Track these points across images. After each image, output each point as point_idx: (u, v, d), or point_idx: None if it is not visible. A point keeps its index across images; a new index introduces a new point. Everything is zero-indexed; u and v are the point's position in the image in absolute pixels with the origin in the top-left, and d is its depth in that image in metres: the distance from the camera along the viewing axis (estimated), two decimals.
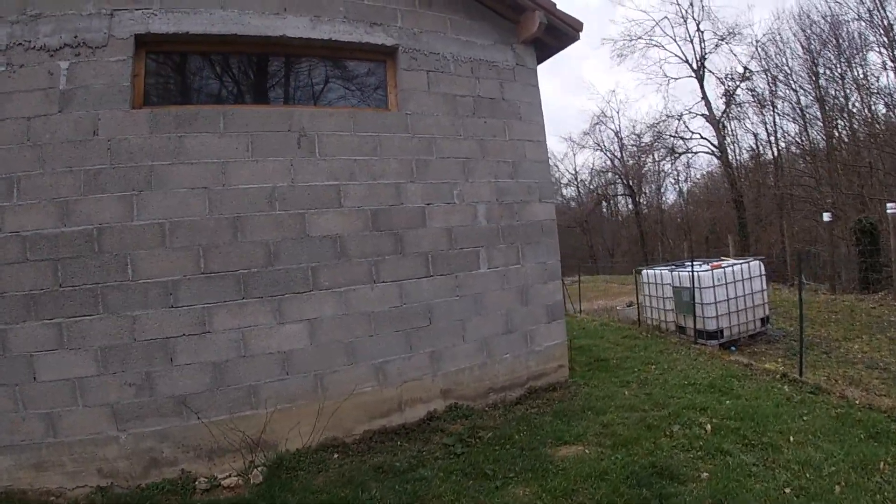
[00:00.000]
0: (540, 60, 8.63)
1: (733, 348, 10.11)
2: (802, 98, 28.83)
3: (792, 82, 29.48)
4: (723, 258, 12.09)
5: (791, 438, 5.62)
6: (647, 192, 49.33)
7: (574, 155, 67.69)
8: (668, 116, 40.57)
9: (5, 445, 5.48)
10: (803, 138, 29.64)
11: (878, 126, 22.90)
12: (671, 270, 11.28)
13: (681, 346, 10.43)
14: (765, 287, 10.93)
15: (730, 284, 10.35)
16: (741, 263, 10.79)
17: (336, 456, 6.25)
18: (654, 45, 41.15)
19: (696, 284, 10.25)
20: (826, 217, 17.32)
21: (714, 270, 10.29)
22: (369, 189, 6.98)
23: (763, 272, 11.00)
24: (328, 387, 6.62)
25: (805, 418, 6.18)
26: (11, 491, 5.41)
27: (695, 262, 11.34)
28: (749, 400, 6.96)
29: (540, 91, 8.39)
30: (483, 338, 7.58)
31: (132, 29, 6.03)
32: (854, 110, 25.00)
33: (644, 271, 12.54)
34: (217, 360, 6.06)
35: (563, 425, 6.45)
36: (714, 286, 10.20)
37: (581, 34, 8.21)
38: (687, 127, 39.23)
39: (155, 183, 6.01)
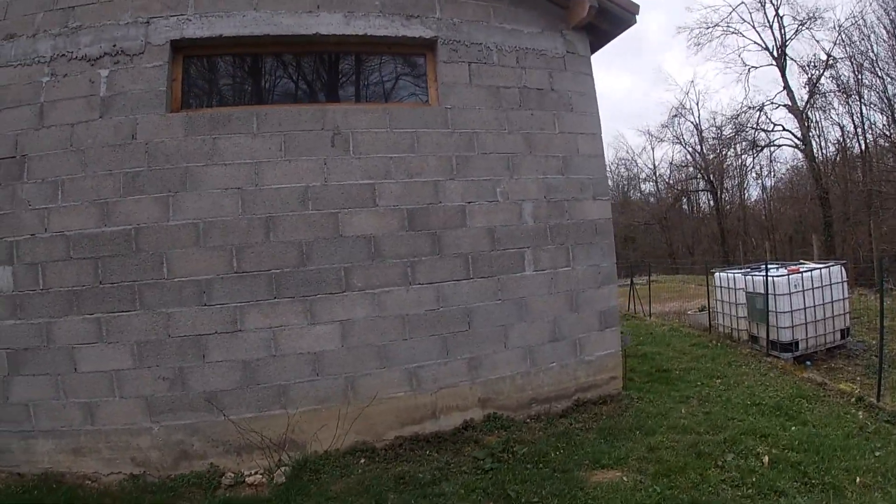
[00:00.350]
0: (594, 48, 7.90)
1: (808, 363, 8.93)
2: (890, 86, 25.90)
3: (878, 69, 26.44)
4: (802, 261, 10.71)
5: (857, 479, 4.75)
6: (729, 187, 45.42)
7: (652, 149, 62.49)
8: (748, 108, 36.34)
9: (47, 430, 5.69)
10: (892, 130, 26.59)
11: None
12: (745, 274, 10.11)
13: (751, 357, 9.42)
14: (846, 295, 9.66)
15: (807, 291, 9.15)
16: (821, 268, 9.44)
17: (363, 461, 5.93)
18: (732, 33, 36.70)
19: (771, 291, 9.13)
20: None
21: (791, 275, 9.08)
22: (405, 188, 6.54)
23: (845, 278, 9.58)
24: (359, 390, 6.29)
25: (877, 454, 5.26)
26: (51, 473, 5.60)
27: (771, 266, 10.15)
28: (817, 427, 6.05)
29: (594, 80, 7.68)
30: (527, 345, 6.96)
31: (167, 35, 6.05)
32: None
33: (716, 274, 11.40)
34: (247, 359, 5.94)
35: (605, 445, 5.82)
36: (790, 293, 9.04)
37: (637, 17, 7.44)
38: (769, 118, 35.51)
39: (190, 184, 5.99)
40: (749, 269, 10.35)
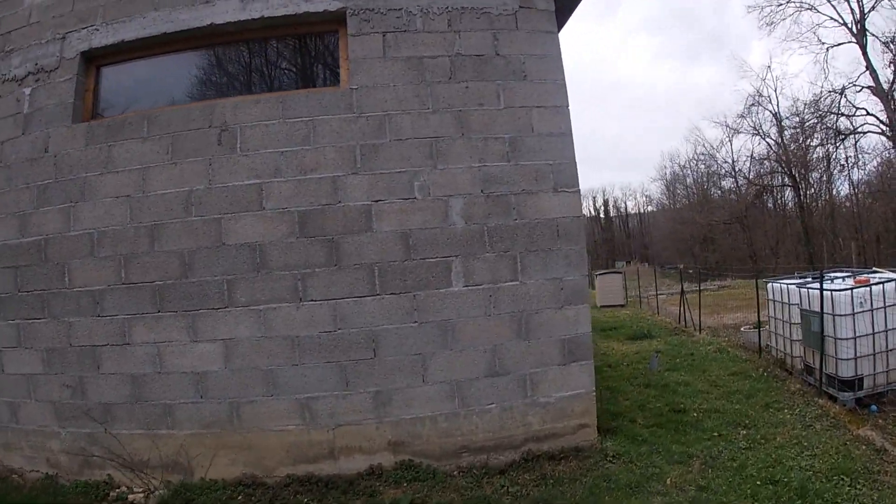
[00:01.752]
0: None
1: (874, 408, 5.51)
2: None
3: None
4: (876, 270, 6.93)
5: None
6: (814, 181, 35.39)
7: (730, 141, 48.79)
8: (829, 91, 27.62)
9: None
10: None
11: None
12: (799, 286, 6.64)
13: (800, 397, 6.02)
14: None
15: (878, 311, 5.62)
16: (884, 281, 5.82)
17: (240, 498, 4.36)
18: (806, 9, 27.96)
19: (827, 309, 5.78)
20: None
21: (855, 289, 5.64)
22: (297, 186, 4.67)
23: None
24: (244, 418, 4.61)
25: None
26: None
27: (836, 275, 6.64)
28: None
29: (559, 40, 5.13)
30: (453, 380, 4.68)
31: (78, 48, 5.08)
32: None
33: (769, 285, 7.73)
34: (136, 374, 4.71)
35: None
36: (854, 313, 5.62)
37: None
38: (851, 103, 26.93)
39: (87, 193, 4.89)
40: (808, 279, 6.83)
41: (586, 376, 4.86)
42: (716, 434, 5.11)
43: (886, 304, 5.54)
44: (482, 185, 4.75)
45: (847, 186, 33.93)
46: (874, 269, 6.87)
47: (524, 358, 4.72)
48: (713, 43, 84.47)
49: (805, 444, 4.74)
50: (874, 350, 5.49)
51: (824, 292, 5.70)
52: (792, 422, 5.24)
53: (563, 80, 4.99)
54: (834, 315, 5.60)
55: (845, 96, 26.58)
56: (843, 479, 4.08)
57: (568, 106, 4.98)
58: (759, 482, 4.13)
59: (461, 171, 4.74)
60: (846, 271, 7.05)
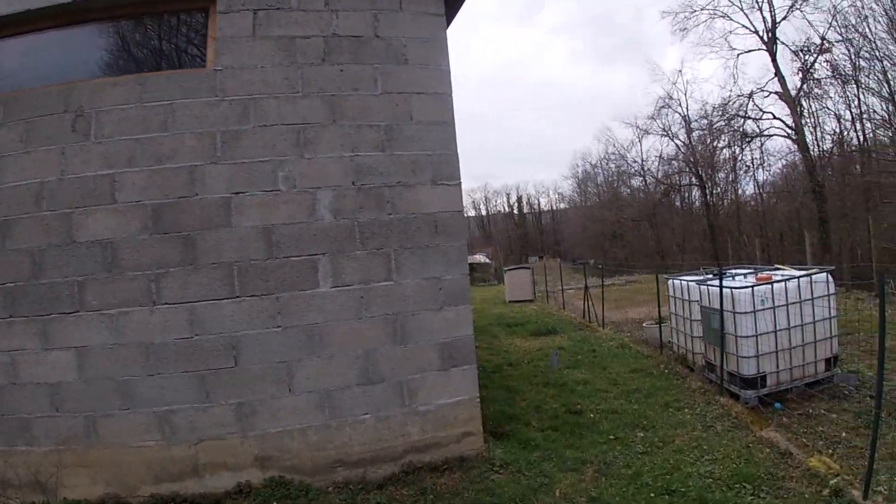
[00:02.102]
0: None
1: (778, 406, 4.42)
2: (890, 70, 16.52)
3: (877, 51, 16.83)
4: (778, 267, 5.80)
5: None
6: (721, 181, 32.70)
7: (640, 142, 46.79)
8: (738, 96, 25.07)
9: None
10: (893, 117, 17.07)
11: None
12: (699, 283, 5.49)
13: (701, 396, 5.01)
14: (834, 312, 4.81)
15: (780, 308, 4.55)
16: (800, 277, 4.77)
17: None
18: (719, 16, 25.16)
19: (728, 307, 4.68)
20: None
21: (756, 287, 4.66)
22: (152, 177, 3.50)
23: (832, 291, 4.85)
24: (102, 433, 3.45)
25: None
26: None
27: (738, 272, 5.68)
28: None
29: (445, 22, 4.00)
30: (323, 389, 3.58)
31: None
32: None
33: (670, 282, 6.49)
34: None
35: None
36: (755, 311, 4.64)
37: None
38: (758, 107, 24.55)
39: None
40: (708, 276, 5.83)
41: (469, 382, 3.81)
42: (612, 437, 4.11)
43: (789, 302, 4.57)
44: (354, 176, 3.64)
45: (752, 187, 31.64)
46: (776, 265, 5.87)
47: (401, 364, 3.65)
48: (631, 47, 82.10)
49: (705, 447, 3.76)
50: (777, 348, 4.53)
51: (725, 290, 4.71)
52: (692, 422, 4.26)
53: (448, 66, 3.90)
54: (735, 313, 4.62)
55: (753, 100, 24.41)
56: (745, 486, 3.13)
57: (451, 94, 3.90)
58: (654, 492, 3.18)
59: (331, 160, 3.62)
60: (749, 268, 6.08)
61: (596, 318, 9.65)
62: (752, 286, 4.58)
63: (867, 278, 11.10)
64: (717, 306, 4.74)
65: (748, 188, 31.81)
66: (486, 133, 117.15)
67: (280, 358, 3.48)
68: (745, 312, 4.51)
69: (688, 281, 5.76)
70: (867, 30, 17.11)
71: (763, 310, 4.50)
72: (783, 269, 5.31)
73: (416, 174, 3.73)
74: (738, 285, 4.73)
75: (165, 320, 3.39)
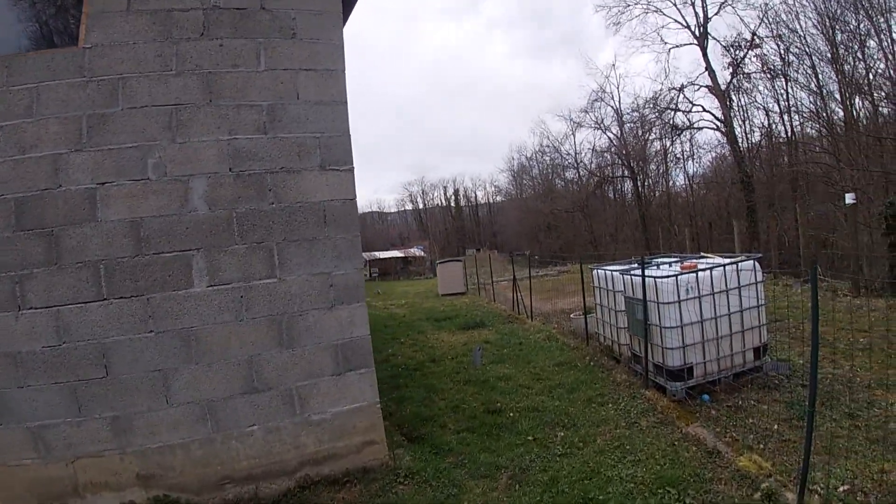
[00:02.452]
0: None
1: (706, 398, 4.40)
2: (819, 67, 17.83)
3: (807, 47, 18.01)
4: (704, 255, 5.85)
5: None
6: (652, 173, 34.50)
7: (573, 134, 46.67)
8: (669, 89, 26.07)
9: None
10: (820, 110, 18.35)
11: None
12: (622, 273, 5.42)
13: (626, 389, 4.98)
14: (762, 300, 4.83)
15: (706, 298, 4.53)
16: (726, 265, 4.75)
17: None
18: (653, 11, 26.03)
19: (652, 297, 4.66)
20: (849, 198, 9.57)
21: (681, 276, 4.72)
22: (15, 168, 2.96)
23: (760, 278, 4.83)
24: None
25: None
26: None
27: (663, 260, 5.77)
28: None
29: None
30: (204, 399, 3.14)
31: None
32: (877, 82, 14.84)
33: (594, 272, 6.35)
34: None
35: None
36: (679, 300, 4.68)
37: None
38: (689, 100, 25.88)
39: None
40: (633, 266, 5.85)
41: (367, 386, 3.46)
42: (531, 438, 3.89)
43: (715, 291, 4.59)
44: (232, 162, 3.13)
45: (683, 178, 33.64)
46: (702, 254, 6.02)
47: (289, 369, 3.23)
48: (568, 42, 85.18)
49: (628, 446, 3.61)
50: (703, 338, 4.52)
51: (648, 279, 4.68)
52: (616, 419, 4.14)
53: (341, 40, 3.46)
54: (658, 303, 4.59)
55: (684, 94, 25.70)
56: (669, 491, 2.97)
57: (344, 70, 3.45)
58: (570, 501, 2.96)
59: (206, 145, 3.08)
60: (675, 256, 6.14)
61: (525, 309, 9.58)
62: (677, 275, 4.57)
63: (795, 265, 12.13)
64: (641, 296, 4.74)
65: (679, 179, 33.95)
66: (424, 126, 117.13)
67: (154, 366, 2.97)
68: (670, 302, 4.50)
69: (612, 271, 5.68)
70: (797, 25, 18.38)
71: (688, 299, 4.51)
72: (709, 258, 5.42)
73: (303, 159, 3.26)
74: (661, 274, 4.69)
75: (32, 326, 2.84)
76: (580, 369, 5.57)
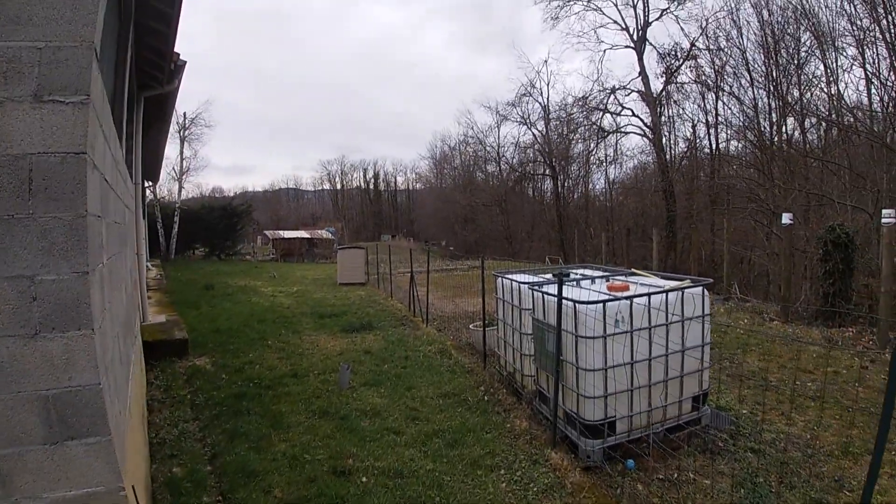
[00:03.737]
0: None
1: (630, 464, 3.35)
2: (756, 83, 18.14)
3: (746, 63, 18.33)
4: (635, 272, 4.59)
5: None
6: (573, 174, 34.55)
7: (498, 127, 44.60)
8: (600, 90, 25.59)
9: None
10: (752, 128, 18.64)
11: (849, 119, 14.04)
12: (532, 288, 4.11)
13: (526, 445, 3.76)
14: (708, 338, 3.78)
15: (640, 332, 3.47)
16: (669, 290, 3.63)
17: None
18: (593, 9, 25.74)
19: (570, 327, 3.48)
20: (786, 219, 9.39)
21: (610, 301, 3.47)
22: None
23: (707, 310, 3.76)
24: None
25: None
26: None
27: (584, 273, 4.70)
28: None
29: None
30: None
31: None
32: (813, 107, 15.28)
33: (497, 280, 5.08)
34: None
35: None
36: (606, 335, 3.40)
37: None
38: (620, 103, 25.85)
39: None
40: (545, 279, 4.67)
41: (103, 464, 1.89)
42: None
43: (653, 324, 3.55)
44: None
45: (603, 182, 33.62)
46: (633, 270, 4.64)
47: None
48: (505, 37, 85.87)
49: None
50: (632, 384, 3.47)
51: (566, 302, 3.51)
52: (508, 499, 2.96)
53: None
54: (577, 336, 3.44)
55: (615, 96, 25.56)
56: None
57: None
58: None
59: None
60: (597, 269, 5.13)
61: (421, 311, 8.25)
62: (605, 301, 3.45)
63: (715, 280, 11.65)
64: (555, 323, 3.55)
65: (599, 183, 34.30)
66: (351, 106, 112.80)
67: None
68: (593, 337, 3.35)
69: (520, 282, 4.47)
70: (740, 40, 18.35)
71: (616, 334, 3.41)
72: (642, 275, 4.35)
73: (9, 81, 1.65)
74: (583, 298, 3.54)
75: None
76: (471, 406, 4.33)
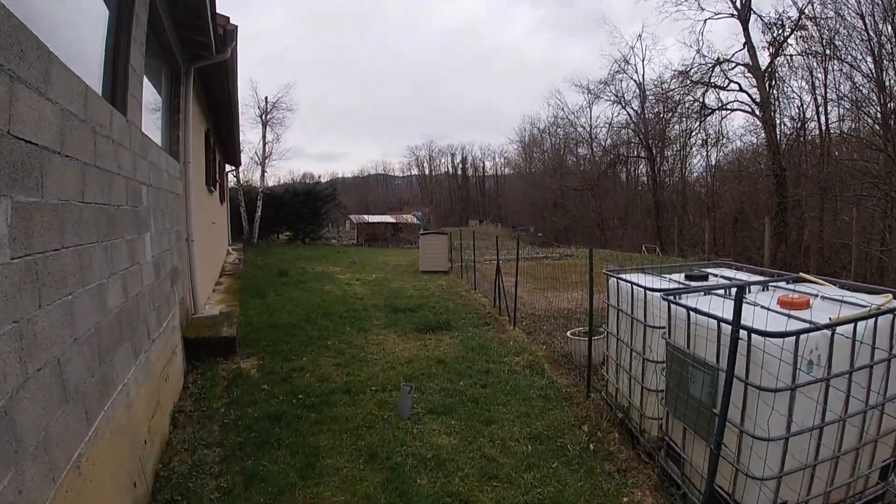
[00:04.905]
0: None
1: None
2: (876, 57, 14.78)
3: (867, 28, 14.91)
4: (803, 277, 3.05)
5: None
6: (671, 157, 30.93)
7: (590, 107, 40.67)
8: (701, 64, 22.17)
9: None
10: (872, 104, 15.25)
11: None
12: (667, 298, 2.74)
13: None
14: None
15: (839, 379, 2.20)
16: (880, 312, 2.25)
17: None
18: None
19: (740, 368, 2.23)
20: None
21: (807, 333, 2.12)
22: None
23: None
24: None
25: None
26: None
27: (720, 276, 3.36)
28: None
29: None
30: None
31: None
32: None
33: (610, 281, 3.67)
34: None
35: None
36: (795, 386, 2.13)
37: None
38: (725, 74, 22.06)
39: None
40: (691, 279, 3.38)
41: None
42: None
43: (856, 365, 2.25)
44: None
45: (704, 165, 29.86)
46: (801, 274, 3.18)
47: None
48: (592, 17, 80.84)
49: None
50: (817, 457, 2.24)
51: (726, 326, 2.33)
52: None
53: None
54: (749, 385, 2.23)
55: (722, 68, 21.94)
56: None
57: None
58: None
59: None
60: (740, 270, 3.74)
61: (508, 307, 7.13)
62: (797, 333, 2.21)
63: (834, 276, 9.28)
64: (713, 359, 2.39)
65: (699, 166, 30.91)
66: (438, 94, 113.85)
67: None
68: (777, 390, 2.14)
69: (644, 288, 3.19)
70: (852, 11, 15.37)
71: (808, 384, 2.19)
72: (814, 283, 2.97)
73: None
74: (764, 330, 2.27)
75: None
76: (570, 460, 3.20)
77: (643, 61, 44.16)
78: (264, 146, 23.68)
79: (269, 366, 4.87)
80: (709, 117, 24.81)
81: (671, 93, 25.19)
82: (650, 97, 28.99)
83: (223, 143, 11.51)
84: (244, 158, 22.34)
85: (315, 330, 6.30)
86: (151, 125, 4.35)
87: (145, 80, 3.52)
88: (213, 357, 4.80)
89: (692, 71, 22.83)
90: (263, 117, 23.47)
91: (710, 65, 21.96)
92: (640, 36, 49.44)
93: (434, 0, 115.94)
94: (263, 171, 23.59)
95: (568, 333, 5.55)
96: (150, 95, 4.30)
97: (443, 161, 70.52)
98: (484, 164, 69.56)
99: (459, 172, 69.26)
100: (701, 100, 23.54)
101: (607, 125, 34.71)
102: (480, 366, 5.03)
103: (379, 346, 5.76)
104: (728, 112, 23.42)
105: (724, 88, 22.45)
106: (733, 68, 21.60)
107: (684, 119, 26.64)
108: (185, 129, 5.13)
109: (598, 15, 70.91)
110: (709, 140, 27.21)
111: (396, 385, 4.38)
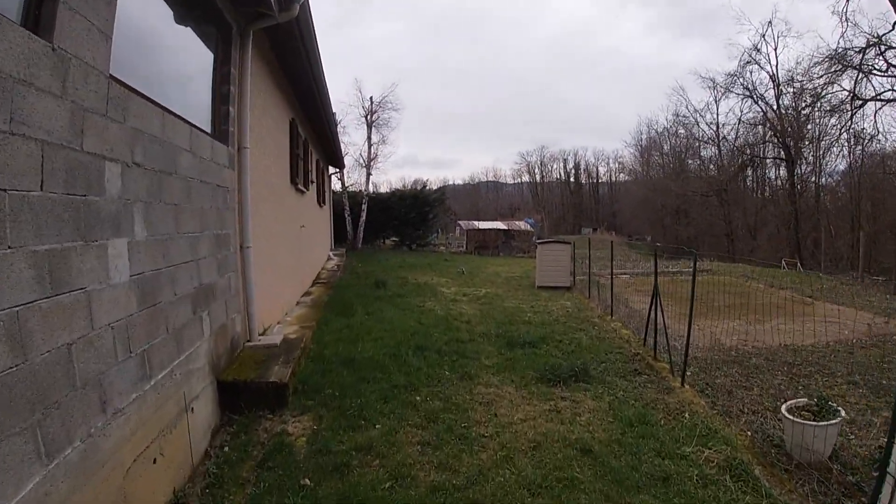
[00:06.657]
0: None
1: None
2: None
3: None
4: None
5: None
6: (811, 157, 25.66)
7: (717, 103, 36.33)
8: (846, 49, 18.11)
9: None
10: None
11: None
12: None
13: None
14: None
15: None
16: None
17: None
18: None
19: None
20: None
21: None
22: None
23: None
24: None
25: None
26: None
27: None
28: None
29: None
30: None
31: None
32: None
33: None
34: None
35: None
36: None
37: None
38: (884, 59, 17.73)
39: None
40: None
41: None
42: None
43: None
44: None
45: (849, 165, 24.30)
46: None
47: None
48: (704, 16, 73.07)
49: None
50: None
51: None
52: None
53: None
54: None
55: (879, 50, 17.35)
56: None
57: None
58: None
59: None
60: None
61: (663, 348, 4.93)
62: None
63: None
64: None
65: (840, 166, 24.91)
66: (547, 98, 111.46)
67: None
68: None
69: None
70: None
71: None
72: None
73: None
74: None
75: None
76: None
77: (775, 50, 37.86)
78: (369, 147, 23.49)
79: (324, 434, 3.38)
80: (863, 107, 19.59)
81: (816, 80, 20.49)
82: (790, 90, 24.17)
83: (320, 140, 10.77)
84: (348, 161, 22.26)
85: (402, 373, 4.69)
86: (189, 97, 3.26)
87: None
88: (255, 407, 3.53)
89: (835, 58, 18.41)
90: (368, 118, 23.28)
91: (855, 49, 17.55)
92: (769, 22, 42.33)
93: (542, 4, 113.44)
94: (369, 174, 23.41)
95: (785, 410, 3.32)
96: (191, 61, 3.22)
97: (554, 167, 68.46)
98: (598, 170, 66.45)
99: (572, 179, 66.47)
100: (852, 89, 18.63)
101: (737, 121, 30.29)
102: (651, 464, 3.06)
103: (488, 407, 4.00)
104: (885, 103, 18.24)
105: (883, 74, 17.48)
106: (885, 51, 16.99)
107: (829, 114, 21.56)
108: (239, 105, 3.96)
109: (713, 10, 62.82)
110: (863, 137, 21.59)
111: (517, 501, 2.64)
